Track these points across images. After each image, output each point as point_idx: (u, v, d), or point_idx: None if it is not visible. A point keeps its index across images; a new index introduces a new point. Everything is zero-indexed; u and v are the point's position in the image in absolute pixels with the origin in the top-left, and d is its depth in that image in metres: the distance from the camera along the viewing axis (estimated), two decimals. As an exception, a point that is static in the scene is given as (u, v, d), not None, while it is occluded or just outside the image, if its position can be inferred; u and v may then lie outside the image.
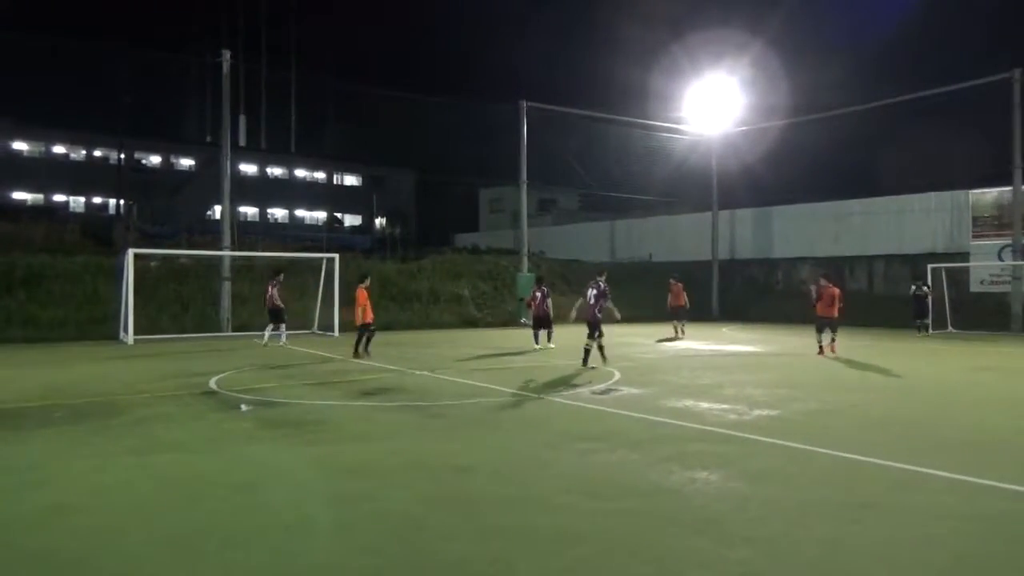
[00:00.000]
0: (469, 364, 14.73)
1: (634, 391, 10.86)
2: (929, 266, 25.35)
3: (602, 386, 11.31)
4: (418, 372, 13.21)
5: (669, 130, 33.81)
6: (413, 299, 28.34)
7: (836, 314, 16.22)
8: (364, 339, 15.57)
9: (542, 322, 17.65)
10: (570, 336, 21.33)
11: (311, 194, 64.55)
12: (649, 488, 5.75)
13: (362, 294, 15.55)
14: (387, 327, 24.15)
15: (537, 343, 17.60)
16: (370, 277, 16.81)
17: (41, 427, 8.25)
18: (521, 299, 25.85)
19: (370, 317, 15.71)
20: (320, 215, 63.23)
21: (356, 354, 15.33)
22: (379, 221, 61.38)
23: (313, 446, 7.31)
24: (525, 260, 29.70)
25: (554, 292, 29.96)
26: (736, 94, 33.35)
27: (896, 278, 27.89)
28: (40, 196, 54.02)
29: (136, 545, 4.55)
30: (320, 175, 67.12)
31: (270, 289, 18.59)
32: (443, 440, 7.64)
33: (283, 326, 18.74)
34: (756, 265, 34.31)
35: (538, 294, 17.80)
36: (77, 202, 55.38)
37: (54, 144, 56.36)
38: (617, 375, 12.59)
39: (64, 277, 23.31)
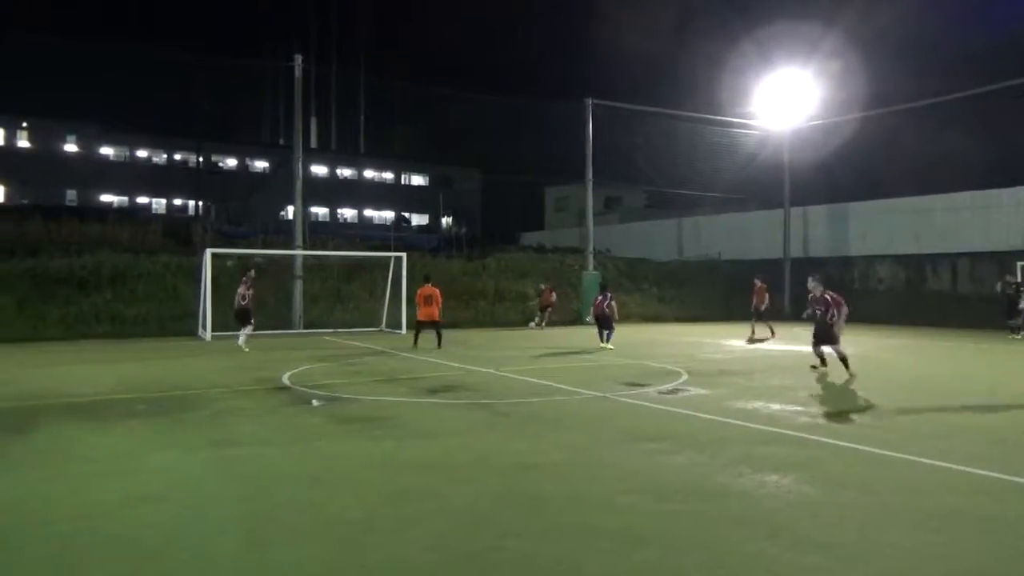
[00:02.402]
0: (534, 362, 14.74)
1: (702, 391, 10.66)
2: (1019, 264, 24.11)
3: (669, 386, 11.15)
4: (483, 370, 13.28)
5: (738, 125, 33.07)
6: (478, 297, 28.55)
7: None
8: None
9: (603, 322, 17.77)
10: (628, 336, 21.11)
11: (379, 194, 65.74)
12: (717, 490, 5.63)
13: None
14: (452, 325, 24.37)
15: (603, 342, 17.61)
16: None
17: (125, 419, 8.64)
18: (537, 290, 27.14)
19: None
20: (388, 215, 64.29)
21: (440, 346, 17.01)
22: (445, 220, 62.01)
23: (381, 441, 7.43)
24: (591, 259, 29.53)
25: (620, 291, 29.75)
26: (809, 87, 32.35)
27: (982, 277, 26.54)
28: (125, 198, 56.69)
29: (210, 535, 4.71)
30: (388, 175, 68.30)
31: (241, 289, 16.97)
32: (508, 438, 7.66)
33: (247, 328, 17.05)
34: (831, 263, 33.15)
35: (599, 297, 18.40)
36: (159, 204, 57.86)
37: (137, 148, 59.08)
38: (685, 375, 12.39)
39: (147, 276, 24.36)
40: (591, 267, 29.11)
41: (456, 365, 14.05)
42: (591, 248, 29.69)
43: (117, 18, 73.22)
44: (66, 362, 14.80)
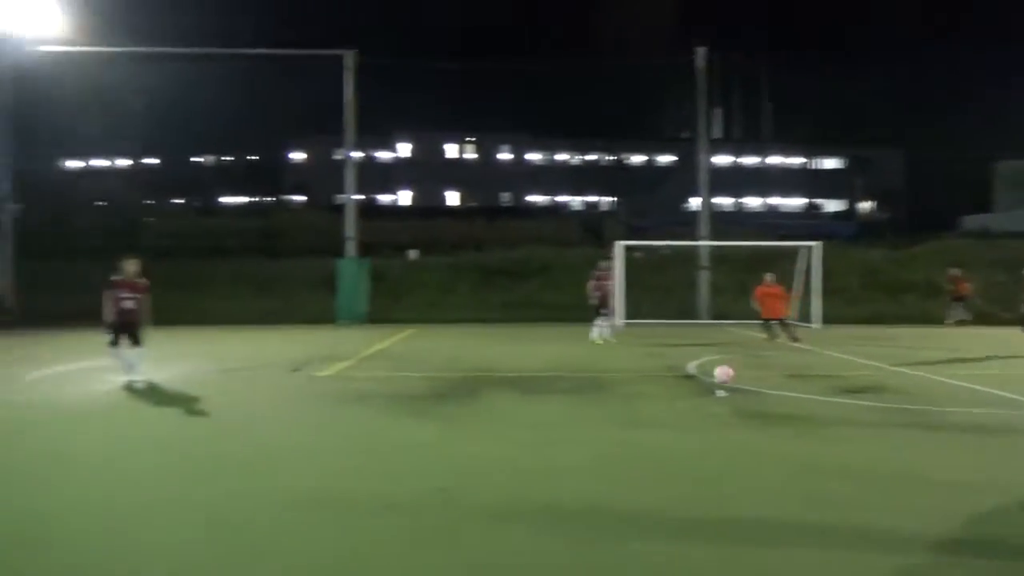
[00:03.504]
0: (974, 367, 12.56)
1: None
2: None
3: None
4: (909, 371, 11.77)
5: None
6: (906, 291, 25.47)
7: None
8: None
9: None
10: None
11: (786, 181, 62.90)
12: None
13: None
14: (874, 320, 22.28)
15: None
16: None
17: (549, 394, 9.69)
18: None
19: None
20: (797, 202, 61.07)
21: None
22: (865, 205, 56.56)
23: (785, 441, 7.07)
24: (1058, 245, 24.21)
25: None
26: None
27: None
28: (548, 198, 63.57)
29: (611, 514, 4.94)
30: (795, 161, 64.87)
31: (593, 281, 16.66)
32: (938, 452, 6.66)
33: (603, 319, 16.69)
34: None
35: None
36: (575, 201, 63.64)
37: (557, 152, 65.70)
38: None
39: (567, 267, 26.95)
40: (1058, 255, 23.83)
41: (875, 364, 12.70)
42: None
43: (537, 43, 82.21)
44: (503, 341, 17.19)
